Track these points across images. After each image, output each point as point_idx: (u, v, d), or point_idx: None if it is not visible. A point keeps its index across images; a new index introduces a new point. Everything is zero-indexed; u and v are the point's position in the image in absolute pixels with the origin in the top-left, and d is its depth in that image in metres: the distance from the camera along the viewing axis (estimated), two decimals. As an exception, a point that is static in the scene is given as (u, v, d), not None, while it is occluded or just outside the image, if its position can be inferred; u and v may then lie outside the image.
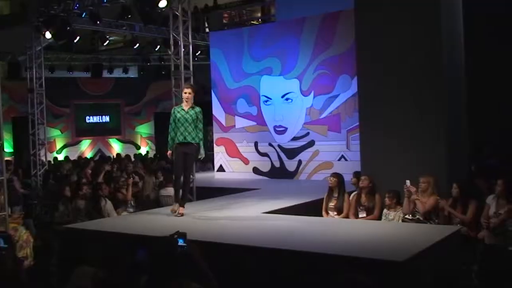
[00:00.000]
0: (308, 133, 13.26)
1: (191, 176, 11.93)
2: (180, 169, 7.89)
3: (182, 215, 7.85)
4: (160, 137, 23.36)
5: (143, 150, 23.45)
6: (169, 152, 8.19)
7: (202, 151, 8.07)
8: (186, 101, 7.92)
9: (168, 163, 15.23)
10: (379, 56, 9.01)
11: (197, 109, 7.97)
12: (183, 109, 7.93)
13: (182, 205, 7.99)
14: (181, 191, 8.05)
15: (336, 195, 8.52)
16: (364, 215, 8.24)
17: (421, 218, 7.62)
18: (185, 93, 7.96)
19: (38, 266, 5.00)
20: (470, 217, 7.35)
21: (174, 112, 7.97)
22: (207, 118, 17.18)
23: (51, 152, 20.63)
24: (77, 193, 9.58)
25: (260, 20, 19.01)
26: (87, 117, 23.16)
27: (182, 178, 8.00)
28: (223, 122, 14.69)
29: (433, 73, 8.52)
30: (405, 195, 7.81)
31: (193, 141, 7.86)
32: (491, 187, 7.63)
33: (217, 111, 14.83)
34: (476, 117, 9.44)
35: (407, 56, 8.71)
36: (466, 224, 7.33)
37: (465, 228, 7.28)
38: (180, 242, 3.32)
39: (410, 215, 7.73)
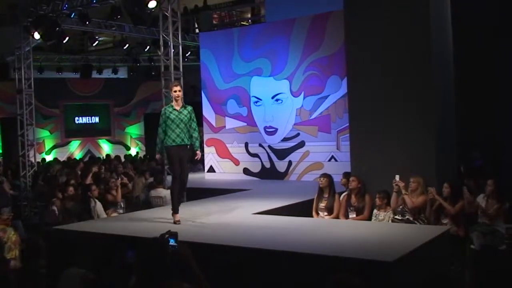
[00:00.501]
0: (298, 134, 13.27)
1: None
2: (178, 172, 7.48)
3: (174, 222, 7.42)
4: (150, 138, 23.31)
5: (133, 151, 23.40)
6: (158, 155, 7.81)
7: (199, 151, 7.74)
8: (177, 100, 7.49)
9: (158, 164, 15.22)
10: (368, 57, 9.04)
11: (189, 108, 7.58)
12: (175, 109, 7.47)
13: (176, 212, 7.58)
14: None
15: (326, 195, 8.53)
16: (354, 215, 8.27)
17: (410, 219, 7.67)
18: (175, 91, 7.48)
19: (26, 267, 4.98)
20: (458, 209, 7.44)
21: (165, 113, 7.48)
22: (197, 119, 17.24)
23: (40, 153, 20.56)
24: (65, 194, 9.53)
25: (250, 21, 19.03)
26: (76, 118, 23.07)
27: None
28: (213, 123, 14.68)
29: (424, 74, 8.55)
30: (394, 189, 7.87)
31: (188, 143, 7.49)
32: (481, 188, 7.72)
33: (207, 112, 14.81)
34: (462, 118, 9.49)
35: (397, 57, 8.74)
36: (453, 218, 7.40)
37: (455, 228, 7.34)
38: (171, 242, 3.30)
39: (400, 216, 7.78)
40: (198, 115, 15.57)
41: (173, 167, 7.56)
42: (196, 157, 7.87)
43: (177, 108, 7.48)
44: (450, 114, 9.07)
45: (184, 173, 7.55)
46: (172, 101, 7.61)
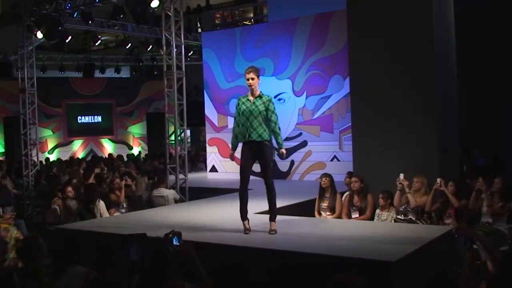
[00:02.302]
0: (300, 134, 13.27)
1: (184, 176, 12.00)
2: (247, 175, 6.62)
3: (275, 232, 6.59)
4: (152, 137, 23.38)
5: (135, 151, 23.40)
6: (231, 152, 6.91)
7: (283, 147, 6.76)
8: (251, 90, 6.62)
9: (161, 163, 15.24)
10: (371, 57, 9.05)
11: (265, 97, 6.62)
12: (248, 100, 6.62)
13: (273, 220, 6.70)
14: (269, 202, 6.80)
15: (328, 195, 8.53)
16: (357, 215, 8.27)
17: (413, 218, 7.68)
18: (247, 79, 6.61)
19: (27, 266, 4.98)
20: (463, 204, 7.45)
21: (238, 104, 6.67)
22: (199, 118, 17.31)
23: (43, 152, 20.57)
24: (66, 194, 9.54)
25: (252, 20, 19.07)
26: (79, 117, 23.08)
27: (245, 191, 6.72)
28: (216, 123, 14.69)
29: (426, 73, 8.56)
30: (397, 187, 7.88)
31: (259, 139, 6.53)
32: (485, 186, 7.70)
33: (210, 111, 14.81)
34: (464, 117, 9.49)
35: (399, 56, 8.75)
36: (456, 214, 7.41)
37: (457, 226, 7.34)
38: (175, 242, 3.31)
39: (402, 215, 7.79)
40: (201, 115, 15.70)
41: (240, 167, 6.68)
42: (281, 156, 6.92)
43: (251, 98, 6.64)
44: (452, 113, 9.08)
45: (267, 176, 6.63)
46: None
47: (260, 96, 6.62)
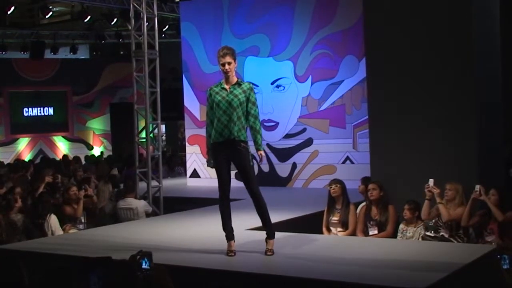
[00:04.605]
0: (304, 129, 13.28)
1: (158, 184, 11.99)
2: (225, 183, 6.70)
3: (272, 252, 6.60)
4: (117, 134, 23.33)
5: (96, 151, 23.37)
6: (208, 158, 6.84)
7: (261, 148, 6.77)
8: (226, 76, 6.67)
9: (129, 167, 15.20)
10: (394, 32, 9.04)
11: (245, 85, 6.71)
12: (223, 89, 6.66)
13: (271, 237, 6.70)
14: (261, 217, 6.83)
15: (339, 207, 8.53)
16: (375, 231, 8.27)
17: (446, 235, 7.69)
18: (223, 64, 6.61)
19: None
20: (509, 217, 7.43)
21: (211, 94, 6.68)
22: (177, 109, 17.27)
23: (-21, 153, 20.52)
24: (10, 205, 9.50)
25: (244, -14, 19.05)
26: (25, 109, 23.02)
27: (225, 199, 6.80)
28: (197, 116, 14.68)
29: (465, 57, 8.56)
30: (426, 196, 7.88)
31: (242, 137, 6.60)
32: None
33: (190, 101, 14.82)
34: (508, 115, 9.51)
35: (431, 33, 8.74)
36: (500, 229, 7.42)
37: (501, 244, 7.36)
38: (144, 265, 3.31)
39: (433, 231, 7.80)
40: (179, 106, 15.67)
41: (217, 174, 6.72)
42: (259, 159, 6.86)
43: (227, 86, 6.69)
44: (494, 110, 9.08)
45: (251, 183, 6.69)
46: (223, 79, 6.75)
47: (238, 84, 6.70)
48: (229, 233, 6.76)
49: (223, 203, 6.80)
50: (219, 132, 6.60)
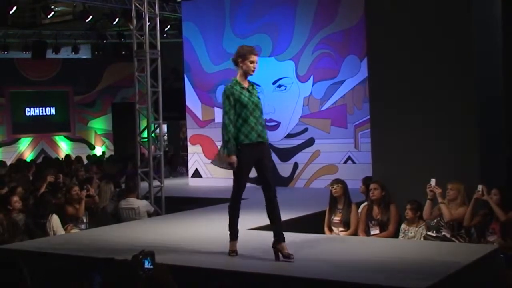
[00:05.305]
0: (306, 129, 13.28)
1: (160, 183, 11.99)
2: (244, 186, 6.60)
3: (288, 256, 6.28)
4: (119, 134, 23.33)
5: (98, 151, 23.38)
6: (233, 157, 6.37)
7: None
8: (250, 74, 6.58)
9: (131, 167, 15.20)
10: (396, 32, 9.03)
11: (254, 86, 6.71)
12: (244, 88, 6.49)
13: (282, 240, 6.41)
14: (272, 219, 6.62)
15: (341, 206, 8.54)
16: (377, 231, 8.28)
17: (447, 235, 7.69)
18: (252, 62, 6.50)
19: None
20: (511, 217, 7.43)
21: (233, 94, 6.42)
22: (179, 109, 17.27)
23: (-19, 153, 20.53)
24: (12, 205, 9.49)
25: (245, -14, 19.05)
26: (27, 109, 23.02)
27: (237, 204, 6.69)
28: (199, 115, 14.68)
29: (465, 57, 8.56)
30: (428, 196, 7.88)
31: (267, 139, 6.62)
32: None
33: (192, 101, 14.81)
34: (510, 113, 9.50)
35: (431, 33, 8.73)
36: (502, 229, 7.41)
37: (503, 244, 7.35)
38: (146, 265, 3.31)
39: (434, 231, 7.80)
40: (181, 106, 15.67)
41: (238, 176, 6.56)
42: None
43: (246, 86, 6.54)
44: (496, 107, 9.08)
45: (272, 185, 6.58)
46: (238, 77, 6.56)
47: (251, 84, 6.63)
48: (234, 234, 6.69)
49: (236, 205, 6.64)
50: (246, 135, 6.41)
